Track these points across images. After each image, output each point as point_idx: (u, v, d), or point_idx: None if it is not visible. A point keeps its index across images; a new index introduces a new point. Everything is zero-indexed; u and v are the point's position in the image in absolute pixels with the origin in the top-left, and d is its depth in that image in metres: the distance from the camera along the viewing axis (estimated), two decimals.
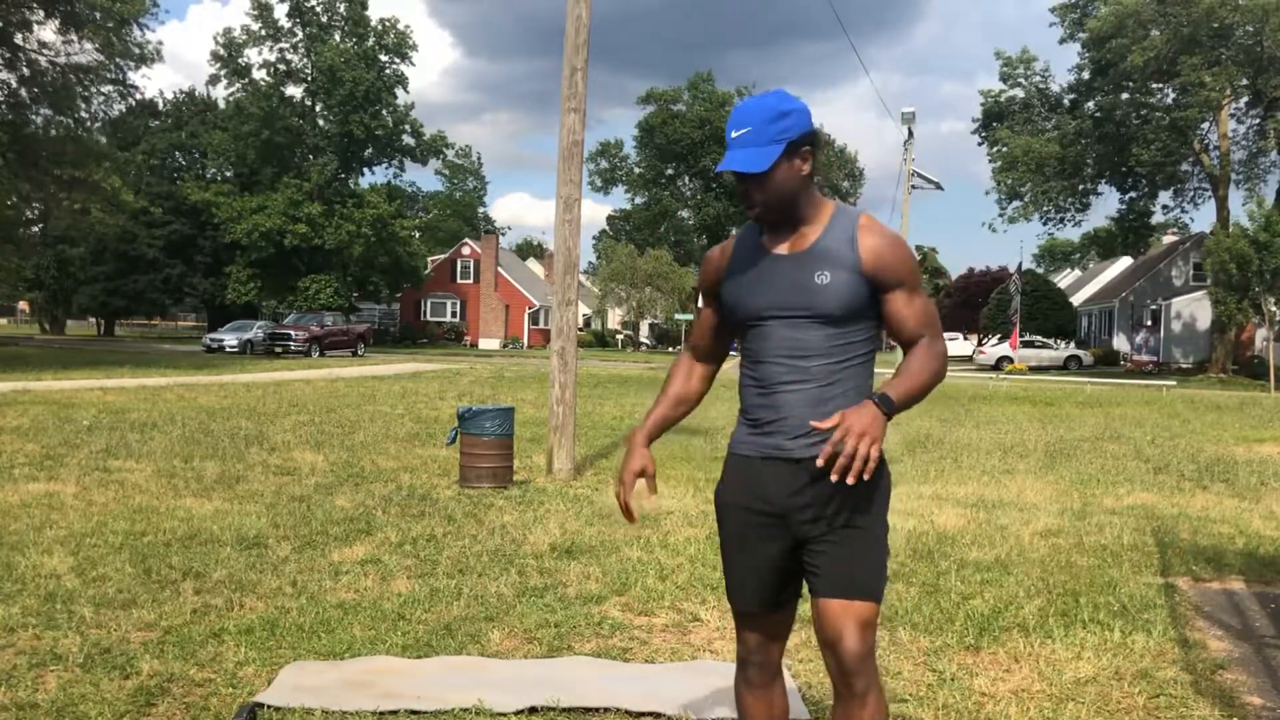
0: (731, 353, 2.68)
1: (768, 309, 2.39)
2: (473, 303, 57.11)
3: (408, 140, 51.65)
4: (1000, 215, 42.79)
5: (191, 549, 5.58)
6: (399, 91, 50.17)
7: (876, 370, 2.44)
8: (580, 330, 25.61)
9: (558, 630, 4.34)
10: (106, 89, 31.74)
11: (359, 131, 48.08)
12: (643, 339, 62.99)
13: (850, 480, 2.13)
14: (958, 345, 57.89)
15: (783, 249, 2.41)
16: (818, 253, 2.37)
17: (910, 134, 32.52)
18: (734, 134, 2.33)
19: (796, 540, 2.39)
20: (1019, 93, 41.91)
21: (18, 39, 28.08)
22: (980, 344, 49.81)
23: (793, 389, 2.36)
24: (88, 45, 29.18)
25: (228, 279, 49.65)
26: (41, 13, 27.81)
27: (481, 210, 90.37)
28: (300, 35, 48.79)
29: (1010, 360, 41.89)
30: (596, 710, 3.45)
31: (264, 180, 47.88)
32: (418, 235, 58.49)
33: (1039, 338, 46.86)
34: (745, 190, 2.37)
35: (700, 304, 2.68)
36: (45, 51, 28.83)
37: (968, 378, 32.15)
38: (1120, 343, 47.13)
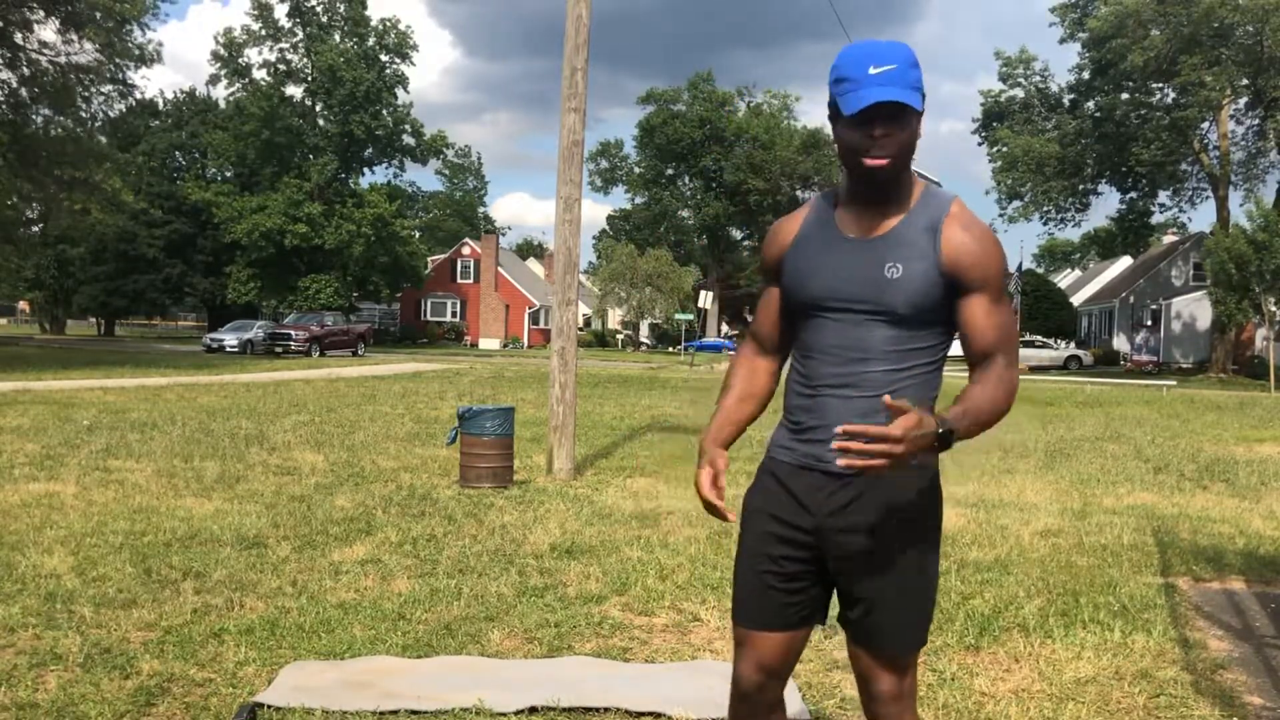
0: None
1: (826, 298, 2.09)
2: (473, 303, 57.13)
3: (408, 140, 51.69)
4: (1000, 215, 42.85)
5: (191, 549, 5.58)
6: (399, 91, 50.24)
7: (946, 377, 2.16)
8: (580, 330, 25.62)
9: (558, 630, 4.33)
10: (107, 89, 31.74)
11: (359, 131, 48.10)
12: (643, 339, 63.01)
13: (840, 463, 1.84)
14: (957, 345, 57.79)
15: (856, 231, 2.10)
16: (893, 240, 2.06)
17: None
18: (874, 70, 1.96)
19: (827, 565, 2.14)
20: (1019, 93, 41.95)
21: (18, 38, 28.07)
22: None
23: (841, 394, 2.07)
24: (88, 45, 29.17)
25: (228, 279, 49.66)
26: (42, 12, 27.80)
27: (481, 210, 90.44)
28: (300, 35, 48.81)
29: None
30: (596, 710, 3.45)
31: (264, 180, 47.90)
32: (418, 235, 58.50)
33: (1039, 338, 46.86)
34: (879, 136, 1.99)
35: (763, 283, 2.34)
36: (46, 51, 28.84)
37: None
38: (1120, 343, 47.14)
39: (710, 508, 2.24)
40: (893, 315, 2.04)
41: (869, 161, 2.01)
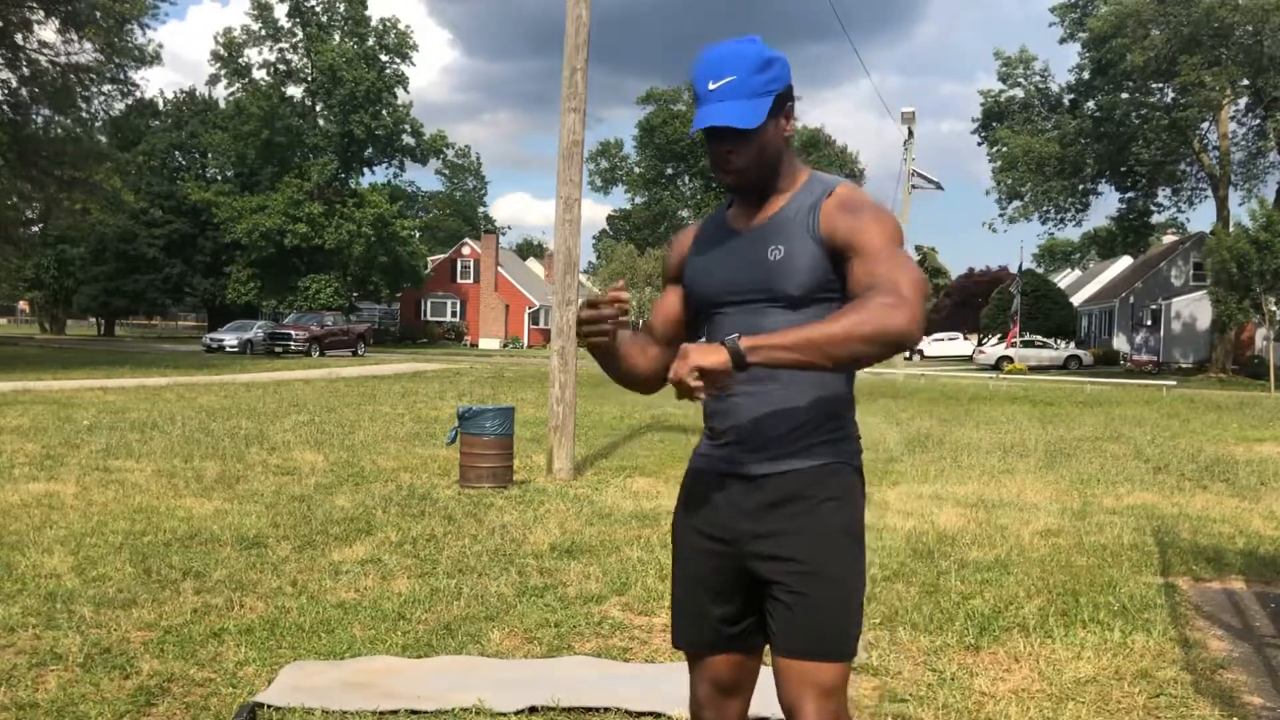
0: None
1: (722, 293, 2.06)
2: (473, 302, 57.13)
3: (408, 140, 51.68)
4: (1000, 215, 42.84)
5: (191, 549, 5.58)
6: (399, 91, 50.23)
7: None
8: None
9: (558, 630, 4.33)
10: (107, 89, 31.74)
11: (359, 131, 48.09)
12: None
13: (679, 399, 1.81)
14: (957, 345, 57.93)
15: (743, 224, 2.08)
16: (775, 224, 2.02)
17: (910, 134, 32.57)
18: (712, 85, 1.94)
19: (753, 575, 2.03)
20: (1018, 93, 41.95)
21: (18, 39, 28.07)
22: (980, 344, 49.82)
23: (750, 389, 1.98)
24: (88, 45, 29.18)
25: (228, 279, 49.67)
26: (42, 13, 27.80)
27: (481, 210, 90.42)
28: (300, 35, 48.81)
29: (1010, 360, 41.91)
30: (596, 710, 3.45)
31: (264, 180, 47.90)
32: (418, 235, 58.49)
33: (1039, 337, 46.86)
34: (723, 153, 1.99)
35: (663, 287, 2.31)
36: (45, 51, 28.85)
37: (968, 377, 32.15)
38: (1120, 343, 47.14)
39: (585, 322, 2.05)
40: (784, 297, 1.98)
41: (720, 176, 2.03)
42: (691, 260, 2.16)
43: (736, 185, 2.04)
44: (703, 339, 2.12)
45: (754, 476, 2.00)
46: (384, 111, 49.44)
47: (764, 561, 2.00)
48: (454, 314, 57.91)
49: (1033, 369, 39.72)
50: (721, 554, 2.06)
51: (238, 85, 48.67)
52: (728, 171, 2.02)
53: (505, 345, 54.91)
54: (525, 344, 55.67)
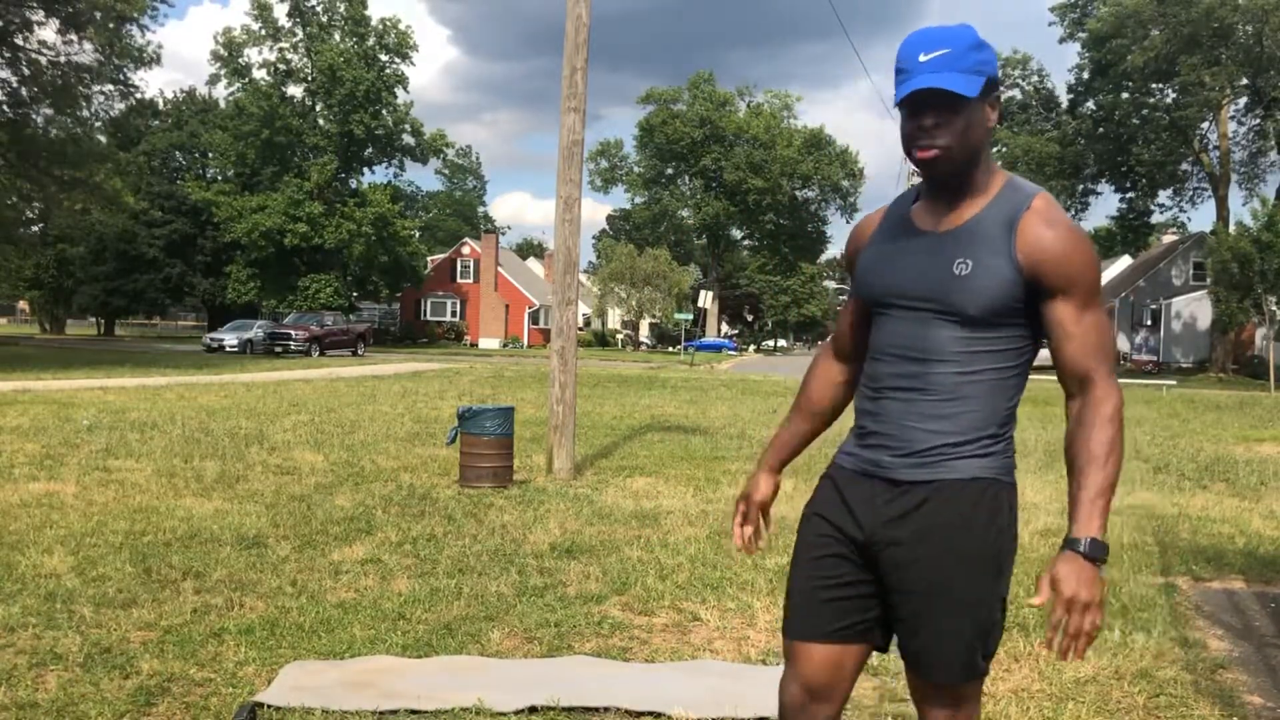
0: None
1: (891, 294, 1.97)
2: (473, 302, 57.13)
3: (408, 140, 51.67)
4: None
5: (191, 549, 5.57)
6: (399, 91, 50.21)
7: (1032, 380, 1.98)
8: (580, 330, 25.62)
9: (558, 630, 4.33)
10: (107, 89, 31.74)
11: (359, 131, 48.09)
12: (643, 339, 63.01)
13: (1070, 657, 1.77)
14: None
15: (930, 225, 1.97)
16: (965, 234, 1.90)
17: None
18: (924, 57, 1.85)
19: (880, 580, 1.99)
20: (1016, 94, 41.96)
21: (18, 39, 28.07)
22: None
23: (904, 396, 1.93)
24: (88, 45, 29.17)
25: (228, 278, 49.66)
26: (42, 13, 27.79)
27: (481, 210, 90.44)
28: (300, 35, 48.79)
29: None
30: (596, 710, 3.45)
31: (264, 180, 47.89)
32: (418, 235, 58.48)
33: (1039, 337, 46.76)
34: (929, 127, 1.87)
35: (849, 285, 2.22)
36: (46, 51, 28.85)
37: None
38: (1120, 342, 47.14)
39: (742, 541, 2.22)
40: (960, 315, 1.89)
41: (918, 153, 1.89)
42: (867, 255, 2.07)
43: (936, 166, 1.90)
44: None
45: (899, 482, 1.94)
46: (384, 111, 49.43)
47: (894, 570, 1.95)
48: (454, 314, 57.91)
49: (1032, 369, 39.62)
50: (849, 552, 2.02)
51: (238, 85, 48.65)
52: (930, 146, 1.88)
53: (505, 345, 54.91)
54: (525, 344, 55.67)
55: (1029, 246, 1.85)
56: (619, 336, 62.35)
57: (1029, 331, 1.93)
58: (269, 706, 3.36)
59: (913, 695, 2.03)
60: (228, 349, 36.04)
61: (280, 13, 48.33)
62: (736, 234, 69.83)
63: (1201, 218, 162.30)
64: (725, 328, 72.72)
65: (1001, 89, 1.99)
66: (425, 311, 58.01)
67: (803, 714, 2.08)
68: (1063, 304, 1.86)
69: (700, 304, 53.75)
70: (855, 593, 2.02)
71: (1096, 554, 1.80)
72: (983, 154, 1.92)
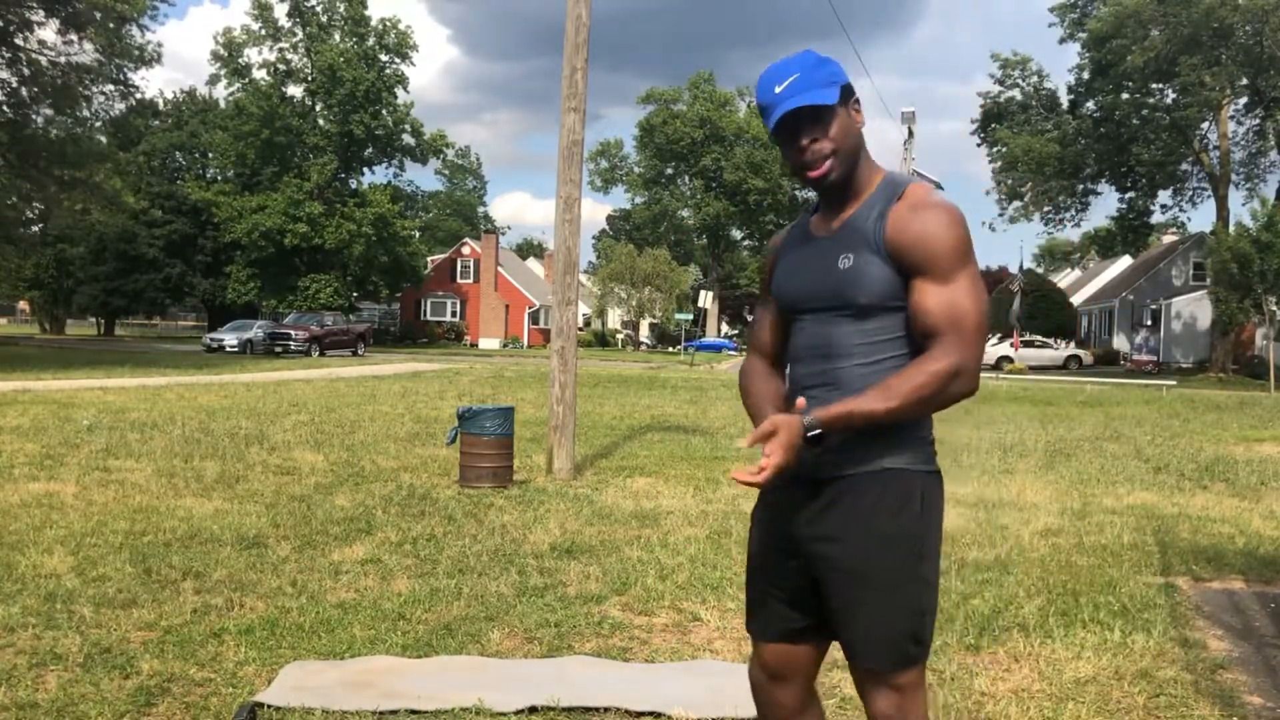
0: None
1: (799, 301, 2.10)
2: (473, 302, 57.12)
3: (408, 140, 51.66)
4: (1000, 215, 42.89)
5: (191, 549, 5.57)
6: (399, 91, 50.20)
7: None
8: (580, 330, 25.62)
9: (558, 630, 4.33)
10: (107, 89, 31.73)
11: (359, 131, 48.07)
12: (643, 339, 62.99)
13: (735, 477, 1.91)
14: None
15: (822, 230, 2.10)
16: (847, 231, 2.04)
17: (910, 134, 32.54)
18: (778, 88, 1.99)
19: (812, 576, 2.09)
20: (1016, 94, 41.96)
21: (18, 39, 28.06)
22: None
23: (817, 395, 2.01)
24: (88, 45, 29.16)
25: (228, 279, 49.65)
26: (42, 13, 27.79)
27: (481, 210, 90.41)
28: (300, 35, 48.78)
29: (1010, 360, 41.92)
30: (596, 710, 3.45)
31: (264, 180, 47.88)
32: (418, 235, 58.46)
33: (1039, 337, 46.87)
34: (806, 146, 2.00)
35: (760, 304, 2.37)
36: (46, 51, 28.83)
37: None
38: (1120, 342, 47.15)
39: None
40: (852, 307, 2.00)
41: (811, 175, 2.03)
42: (778, 266, 2.21)
43: (826, 179, 2.03)
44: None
45: (818, 480, 2.04)
46: (384, 111, 49.41)
47: (821, 564, 2.05)
48: (454, 314, 57.90)
49: (1033, 369, 39.73)
50: (787, 555, 2.13)
51: (238, 85, 48.63)
52: (815, 163, 2.01)
53: (505, 345, 54.90)
54: (525, 344, 55.67)
55: (892, 232, 1.97)
56: (619, 336, 62.33)
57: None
58: (269, 706, 3.36)
59: (856, 687, 2.11)
60: (228, 349, 36.03)
61: (280, 13, 48.36)
62: (736, 234, 69.78)
63: (1201, 218, 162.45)
64: (725, 328, 72.66)
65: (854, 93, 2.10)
66: (425, 311, 58.00)
67: (765, 692, 2.26)
68: (921, 282, 1.96)
69: (700, 304, 53.75)
70: (798, 595, 2.13)
71: (811, 424, 1.91)
72: (860, 156, 2.06)
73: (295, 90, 49.27)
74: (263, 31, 48.22)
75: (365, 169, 52.41)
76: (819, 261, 2.06)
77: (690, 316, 53.74)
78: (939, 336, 1.94)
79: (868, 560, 1.99)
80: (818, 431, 1.92)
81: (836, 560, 2.02)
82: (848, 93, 2.03)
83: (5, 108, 28.90)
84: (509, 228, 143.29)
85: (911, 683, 2.04)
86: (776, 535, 2.14)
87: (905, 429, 2.02)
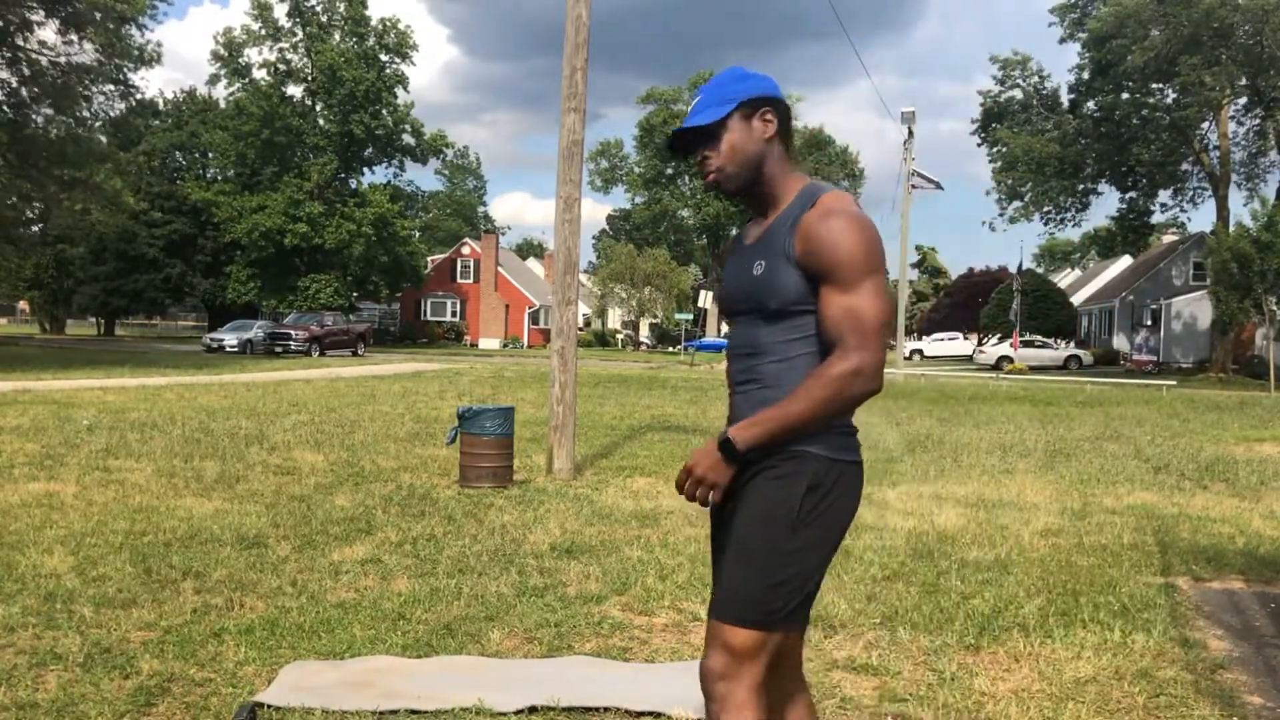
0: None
1: (728, 304, 2.29)
2: (473, 302, 57.12)
3: (408, 140, 51.65)
4: (1000, 215, 42.86)
5: (191, 549, 5.58)
6: (399, 91, 50.19)
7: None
8: (580, 330, 25.62)
9: (558, 630, 4.33)
10: (107, 89, 31.71)
11: (359, 131, 48.07)
12: (643, 339, 62.99)
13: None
14: (957, 345, 57.94)
15: (749, 238, 2.26)
16: (764, 239, 2.18)
17: (910, 134, 32.57)
18: (688, 111, 2.22)
19: None
20: (1017, 94, 41.94)
21: (18, 39, 28.05)
22: (980, 344, 49.83)
23: (742, 389, 2.21)
24: (88, 45, 29.15)
25: (228, 279, 49.64)
26: (42, 13, 27.78)
27: (481, 210, 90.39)
28: (300, 35, 48.77)
29: (1010, 360, 41.92)
30: (596, 710, 3.45)
31: (264, 180, 47.88)
32: (418, 235, 58.45)
33: (1039, 337, 46.86)
34: (700, 161, 2.21)
35: None
36: (46, 51, 28.82)
37: (967, 377, 32.15)
38: (1120, 342, 47.14)
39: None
40: (764, 311, 2.15)
41: (706, 183, 2.24)
42: (725, 272, 2.36)
43: (721, 187, 2.22)
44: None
45: (742, 467, 2.16)
46: (384, 111, 49.40)
47: (721, 532, 2.27)
48: (454, 314, 57.90)
49: (1033, 369, 39.72)
50: (719, 539, 2.32)
51: (238, 85, 48.61)
52: (706, 176, 2.21)
53: (505, 345, 54.90)
54: (525, 344, 55.67)
55: (801, 240, 2.09)
56: (619, 336, 62.33)
57: None
58: (269, 706, 3.36)
59: None
60: (228, 349, 36.01)
61: (280, 13, 48.34)
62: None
63: (1201, 218, 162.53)
64: (725, 328, 72.75)
65: (780, 109, 2.20)
66: (425, 311, 58.00)
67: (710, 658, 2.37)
68: (826, 288, 2.08)
69: (700, 304, 53.74)
70: None
71: (726, 446, 2.08)
72: (766, 165, 2.19)
73: (295, 90, 49.29)
74: (263, 31, 48.21)
75: (365, 169, 52.43)
76: (743, 267, 2.22)
77: (690, 316, 53.75)
78: (841, 340, 2.05)
79: (747, 526, 2.13)
80: (729, 442, 2.08)
81: (731, 527, 2.18)
82: (751, 106, 2.17)
83: (5, 108, 28.89)
84: (509, 228, 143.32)
85: (745, 648, 2.10)
86: (713, 522, 2.34)
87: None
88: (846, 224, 2.07)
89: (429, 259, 58.80)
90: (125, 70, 31.64)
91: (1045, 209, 42.05)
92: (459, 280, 58.13)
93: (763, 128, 2.18)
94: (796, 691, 2.36)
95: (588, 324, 63.35)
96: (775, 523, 2.10)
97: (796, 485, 2.10)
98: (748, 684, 2.11)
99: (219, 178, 51.79)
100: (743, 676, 2.11)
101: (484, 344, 55.13)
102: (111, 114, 33.50)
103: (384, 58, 49.58)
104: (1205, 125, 37.93)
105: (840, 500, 2.15)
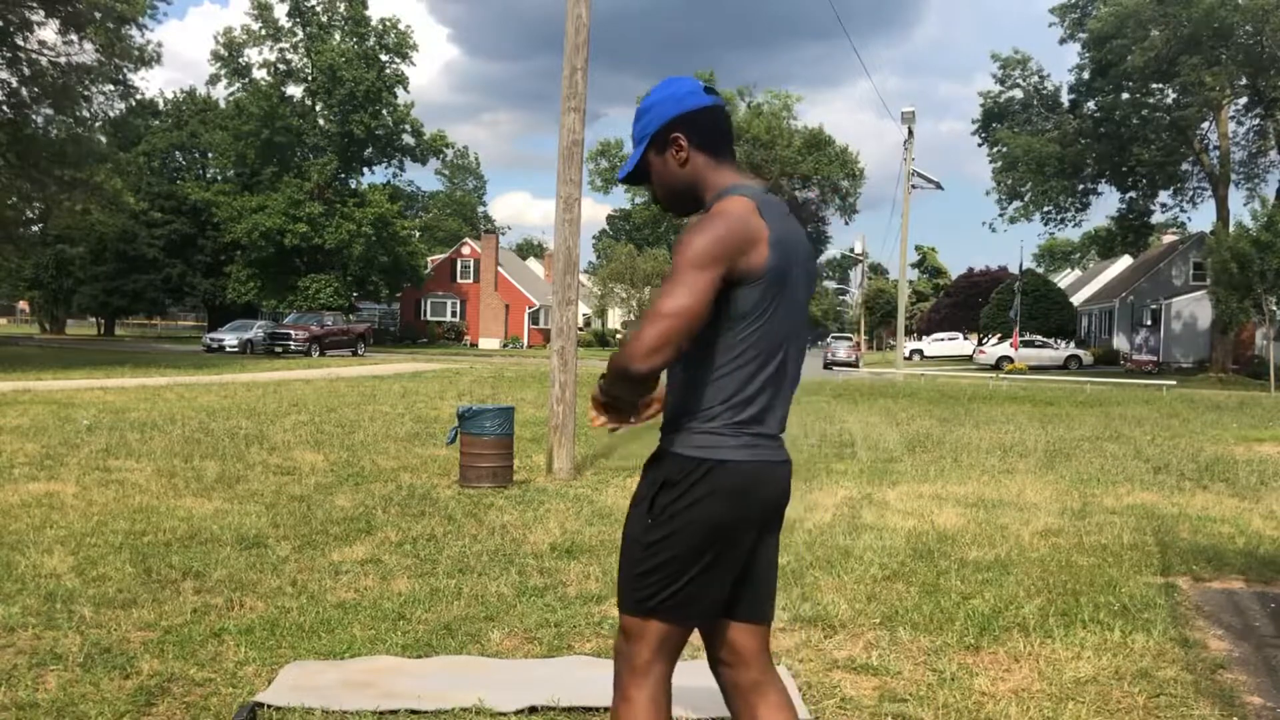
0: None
1: None
2: (473, 302, 57.12)
3: (408, 140, 51.66)
4: (1000, 215, 42.85)
5: (191, 549, 5.58)
6: (399, 91, 50.20)
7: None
8: (580, 330, 25.60)
9: (558, 630, 4.33)
10: (107, 89, 31.71)
11: (359, 131, 48.08)
12: None
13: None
14: (957, 345, 57.94)
15: None
16: None
17: (910, 134, 32.56)
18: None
19: None
20: (1017, 93, 41.94)
21: (18, 39, 28.04)
22: (980, 344, 49.83)
23: (670, 390, 2.33)
24: (88, 45, 29.15)
25: (228, 279, 49.65)
26: (42, 13, 27.78)
27: (481, 209, 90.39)
28: (300, 35, 48.79)
29: (1010, 360, 41.92)
30: (596, 710, 3.45)
31: (264, 180, 47.89)
32: (418, 235, 58.44)
33: (1039, 337, 46.86)
34: (651, 196, 2.38)
35: None
36: (46, 51, 28.82)
37: (967, 377, 32.14)
38: (1120, 342, 47.15)
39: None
40: None
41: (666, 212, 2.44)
42: None
43: (668, 211, 2.37)
44: None
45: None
46: (384, 111, 49.42)
47: None
48: (454, 314, 57.90)
49: (1033, 369, 39.72)
50: None
51: (238, 85, 48.64)
52: (658, 202, 2.38)
53: (505, 345, 54.90)
54: (525, 344, 55.66)
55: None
56: (619, 336, 62.33)
57: (719, 325, 2.13)
58: (269, 706, 3.37)
59: None
60: (228, 349, 36.01)
61: (280, 13, 48.36)
62: None
63: (1201, 218, 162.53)
64: None
65: (689, 125, 2.21)
66: (425, 311, 58.00)
67: (718, 678, 2.47)
68: None
69: None
70: None
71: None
72: (696, 183, 2.24)
73: (295, 90, 49.32)
74: (263, 31, 48.23)
75: (365, 169, 52.43)
76: None
77: None
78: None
79: (628, 520, 2.27)
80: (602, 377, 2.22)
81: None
82: (661, 139, 2.22)
83: (5, 108, 28.89)
84: (509, 228, 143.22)
85: (632, 630, 2.23)
86: None
87: (680, 418, 2.20)
88: (698, 223, 2.12)
89: (429, 259, 58.80)
90: (125, 70, 31.63)
91: (1045, 209, 42.05)
92: (459, 280, 58.13)
93: (676, 154, 2.23)
94: (765, 681, 2.38)
95: (588, 324, 63.35)
96: (635, 518, 2.23)
97: (653, 482, 2.21)
98: (630, 664, 2.24)
99: (219, 178, 51.82)
100: (630, 657, 2.25)
101: (484, 344, 55.13)
102: (111, 114, 33.53)
103: (384, 58, 49.59)
104: (1205, 125, 37.94)
105: (706, 499, 2.13)
